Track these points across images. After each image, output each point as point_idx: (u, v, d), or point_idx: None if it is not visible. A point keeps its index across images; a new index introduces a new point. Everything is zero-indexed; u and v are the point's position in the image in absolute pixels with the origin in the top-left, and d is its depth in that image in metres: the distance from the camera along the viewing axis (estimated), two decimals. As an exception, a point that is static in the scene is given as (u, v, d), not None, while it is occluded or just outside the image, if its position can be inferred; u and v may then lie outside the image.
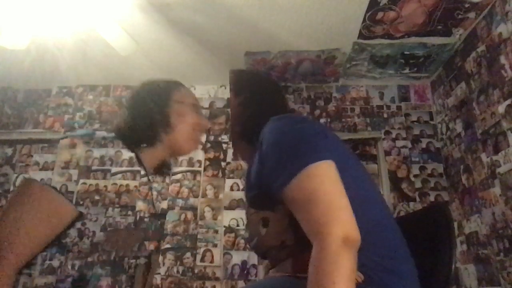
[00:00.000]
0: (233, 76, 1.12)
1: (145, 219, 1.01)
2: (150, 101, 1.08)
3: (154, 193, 1.08)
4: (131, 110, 1.10)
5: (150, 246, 1.01)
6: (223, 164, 2.79)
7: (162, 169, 1.16)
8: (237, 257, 2.51)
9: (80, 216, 0.93)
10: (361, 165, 0.89)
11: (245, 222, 0.97)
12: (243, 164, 2.76)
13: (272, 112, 0.93)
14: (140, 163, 1.06)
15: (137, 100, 1.11)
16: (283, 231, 0.79)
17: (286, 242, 0.80)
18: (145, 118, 1.06)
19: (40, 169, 2.75)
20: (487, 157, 2.13)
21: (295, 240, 0.78)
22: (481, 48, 2.23)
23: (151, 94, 1.11)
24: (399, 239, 0.80)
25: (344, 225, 0.66)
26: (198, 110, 1.16)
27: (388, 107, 2.92)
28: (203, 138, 1.20)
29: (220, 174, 2.76)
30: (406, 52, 2.59)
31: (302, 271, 0.74)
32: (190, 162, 2.79)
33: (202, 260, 2.51)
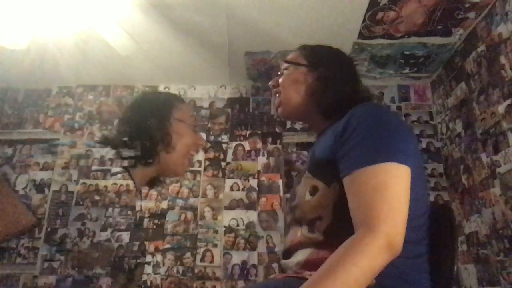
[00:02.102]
0: (305, 51, 1.06)
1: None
2: (150, 116, 0.99)
3: (138, 203, 1.03)
4: (129, 122, 1.01)
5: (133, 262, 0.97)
6: (223, 164, 2.79)
7: (154, 183, 1.10)
8: (237, 257, 2.51)
9: (37, 224, 0.92)
10: (424, 173, 0.89)
11: (295, 183, 0.95)
12: (243, 164, 2.77)
13: (354, 90, 0.97)
14: (131, 177, 1.01)
15: (137, 112, 1.02)
16: (325, 207, 0.79)
17: (321, 220, 0.79)
18: (144, 134, 0.98)
19: (40, 169, 2.74)
20: (487, 157, 2.13)
21: (330, 222, 0.78)
22: (481, 48, 2.22)
23: (152, 108, 1.01)
24: (427, 254, 0.81)
25: (397, 233, 0.67)
26: (196, 129, 1.10)
27: (388, 107, 2.91)
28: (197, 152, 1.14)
29: (220, 174, 2.76)
30: (406, 52, 2.59)
31: (313, 269, 0.74)
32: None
33: (202, 260, 2.51)
